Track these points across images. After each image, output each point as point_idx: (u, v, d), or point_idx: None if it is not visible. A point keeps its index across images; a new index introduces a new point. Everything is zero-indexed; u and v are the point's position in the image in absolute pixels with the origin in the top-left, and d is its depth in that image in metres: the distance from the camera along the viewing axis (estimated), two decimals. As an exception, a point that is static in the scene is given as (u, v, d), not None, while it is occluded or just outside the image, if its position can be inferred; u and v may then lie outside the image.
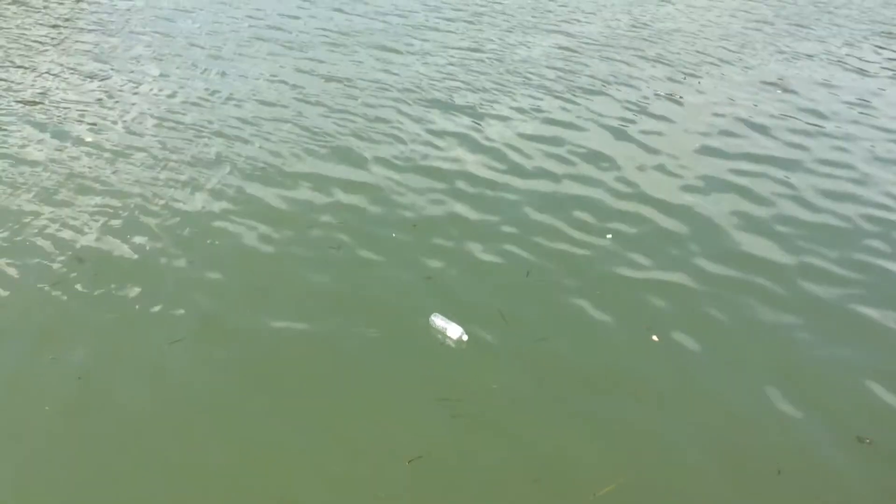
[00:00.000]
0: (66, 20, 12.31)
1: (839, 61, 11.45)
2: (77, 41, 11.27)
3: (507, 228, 6.45)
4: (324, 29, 12.13)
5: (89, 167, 7.33)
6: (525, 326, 5.22)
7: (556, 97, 9.56)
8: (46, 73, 9.89)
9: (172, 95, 9.27)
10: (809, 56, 11.66)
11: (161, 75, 9.96)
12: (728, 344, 5.13)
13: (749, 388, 4.72)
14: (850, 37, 12.80)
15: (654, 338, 5.13)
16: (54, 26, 11.95)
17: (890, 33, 13.12)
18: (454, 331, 5.07)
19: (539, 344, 5.03)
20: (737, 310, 5.45)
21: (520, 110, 9.11)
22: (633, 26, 12.96)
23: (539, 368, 4.83)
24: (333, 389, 4.66)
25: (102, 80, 9.73)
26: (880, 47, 12.28)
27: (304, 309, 5.35)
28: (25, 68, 10.04)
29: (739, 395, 4.67)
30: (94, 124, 8.35)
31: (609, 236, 6.36)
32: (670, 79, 10.43)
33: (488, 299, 5.47)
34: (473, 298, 5.48)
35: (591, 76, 10.37)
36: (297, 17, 12.72)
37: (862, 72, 11.04)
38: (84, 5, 13.30)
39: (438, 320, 5.17)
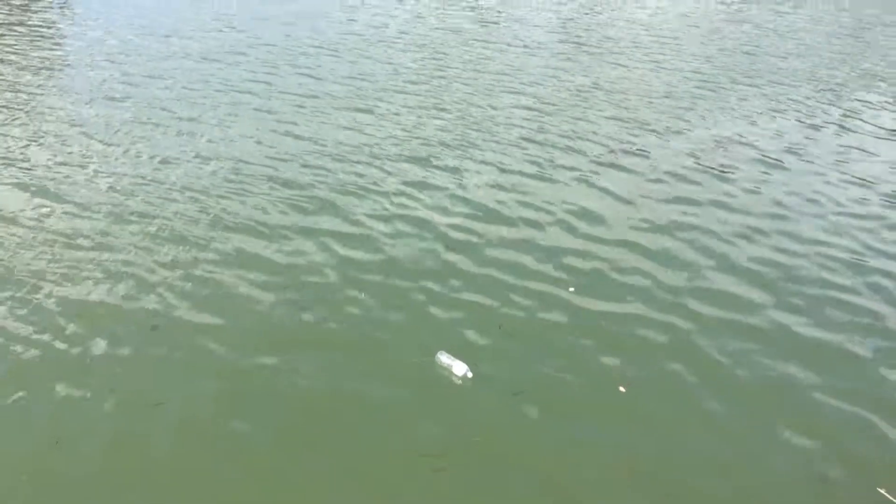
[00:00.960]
0: (38, 87, 12.59)
1: (783, 115, 12.36)
2: (50, 107, 11.55)
3: (479, 276, 6.90)
4: (295, 94, 12.58)
5: (81, 228, 7.66)
6: (498, 381, 5.57)
7: (521, 151, 10.16)
8: (21, 137, 10.19)
9: (152, 157, 9.59)
10: (756, 112, 12.53)
11: (141, 137, 10.28)
12: (691, 397, 5.54)
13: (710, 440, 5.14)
14: (791, 93, 13.72)
15: (622, 388, 5.51)
16: (28, 92, 12.22)
17: (832, 90, 14.04)
18: (459, 368, 5.48)
19: (516, 397, 5.41)
20: (703, 362, 5.91)
21: (486, 163, 9.66)
22: (591, 87, 13.68)
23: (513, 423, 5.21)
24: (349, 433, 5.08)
25: (82, 145, 10.01)
26: (821, 102, 13.22)
27: (297, 352, 5.75)
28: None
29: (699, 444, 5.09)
30: (79, 184, 8.66)
31: (571, 289, 6.79)
32: (628, 133, 11.13)
33: (460, 352, 5.78)
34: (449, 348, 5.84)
35: (553, 132, 11.02)
36: (268, 83, 13.15)
37: (805, 124, 11.98)
38: (56, 74, 13.60)
39: (444, 358, 5.57)
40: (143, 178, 8.88)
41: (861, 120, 12.41)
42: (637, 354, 5.93)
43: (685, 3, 25.65)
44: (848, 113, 12.79)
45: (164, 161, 9.45)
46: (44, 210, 8.02)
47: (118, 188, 8.57)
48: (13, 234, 7.46)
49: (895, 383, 5.70)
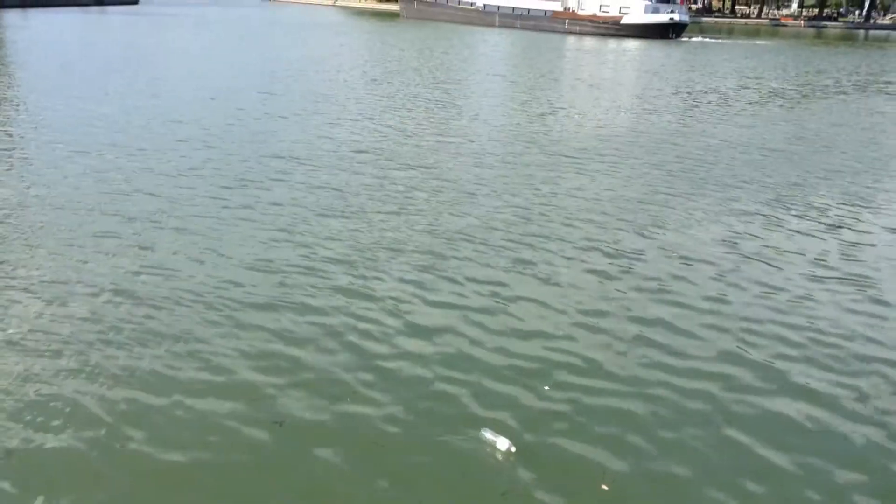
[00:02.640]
0: None
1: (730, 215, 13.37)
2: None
3: (454, 379, 7.39)
4: (254, 221, 13.17)
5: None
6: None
7: (495, 252, 10.77)
8: None
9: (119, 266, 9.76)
10: (706, 217, 13.55)
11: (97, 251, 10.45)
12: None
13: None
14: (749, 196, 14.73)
15: (604, 486, 6.06)
16: None
17: (779, 191, 15.07)
18: (502, 443, 6.24)
19: None
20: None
21: (474, 262, 10.18)
22: (541, 201, 14.65)
23: None
24: None
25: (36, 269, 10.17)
26: (767, 203, 14.37)
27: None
28: None
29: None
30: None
31: (546, 387, 7.40)
32: (584, 247, 11.95)
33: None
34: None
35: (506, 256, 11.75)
36: (225, 205, 13.71)
37: (761, 222, 13.11)
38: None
39: (488, 434, 6.35)
40: (114, 290, 9.01)
41: (813, 217, 13.67)
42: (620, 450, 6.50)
43: (628, 116, 27.00)
44: (798, 212, 14.08)
45: (139, 271, 9.62)
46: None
47: (94, 306, 8.69)
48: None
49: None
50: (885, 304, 9.86)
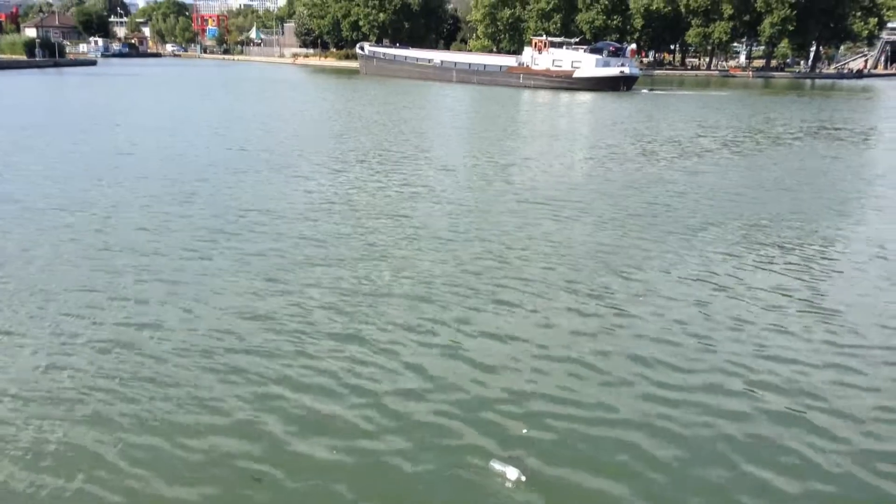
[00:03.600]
0: None
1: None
2: None
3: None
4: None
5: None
6: None
7: (476, 296, 11.09)
8: None
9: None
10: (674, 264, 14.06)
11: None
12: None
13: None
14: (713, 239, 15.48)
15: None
16: None
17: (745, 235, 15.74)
18: (512, 473, 6.55)
19: None
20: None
21: (474, 309, 10.49)
22: (517, 246, 15.36)
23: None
24: None
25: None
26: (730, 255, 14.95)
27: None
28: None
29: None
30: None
31: (524, 430, 7.62)
32: (563, 288, 12.38)
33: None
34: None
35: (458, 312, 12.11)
36: (207, 257, 13.92)
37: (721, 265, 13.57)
38: None
39: (497, 465, 6.64)
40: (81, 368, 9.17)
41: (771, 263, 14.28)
42: None
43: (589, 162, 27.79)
44: (764, 251, 14.80)
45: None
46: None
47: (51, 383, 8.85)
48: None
49: None
50: (854, 333, 10.42)
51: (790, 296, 11.95)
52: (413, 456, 7.08)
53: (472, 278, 12.30)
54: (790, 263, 13.75)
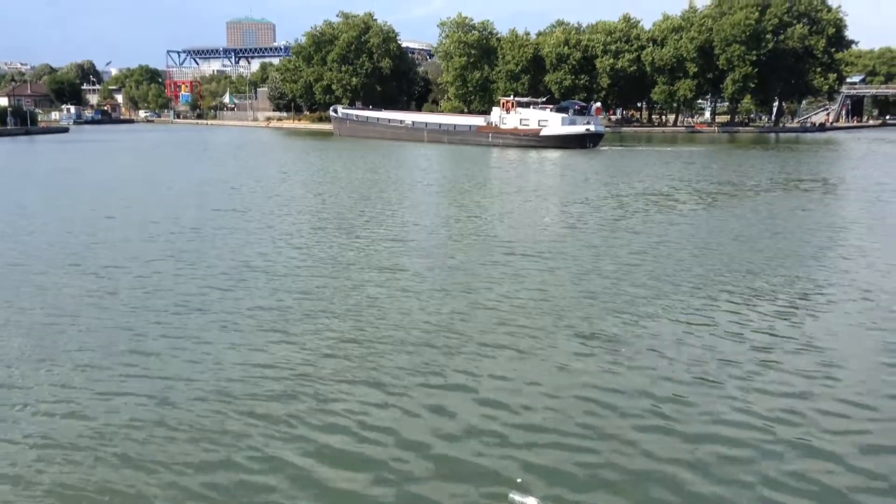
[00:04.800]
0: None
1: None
2: None
3: None
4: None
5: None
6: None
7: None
8: None
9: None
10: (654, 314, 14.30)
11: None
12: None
13: None
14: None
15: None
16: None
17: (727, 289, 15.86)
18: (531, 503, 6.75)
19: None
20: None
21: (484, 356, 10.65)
22: (511, 296, 15.48)
23: None
24: None
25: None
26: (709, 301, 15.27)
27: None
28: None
29: None
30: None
31: (519, 480, 7.68)
32: (559, 332, 12.47)
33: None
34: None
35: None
36: (206, 313, 13.90)
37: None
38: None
39: (517, 497, 6.88)
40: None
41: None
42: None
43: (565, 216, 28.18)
44: (751, 295, 15.06)
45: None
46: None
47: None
48: None
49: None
50: (838, 366, 10.92)
51: (774, 335, 12.36)
52: (434, 490, 7.42)
53: (465, 325, 12.69)
54: (772, 305, 14.09)
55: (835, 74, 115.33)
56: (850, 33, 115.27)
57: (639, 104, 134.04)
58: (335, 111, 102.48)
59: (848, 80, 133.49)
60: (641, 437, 8.65)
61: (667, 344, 11.88)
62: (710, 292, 15.04)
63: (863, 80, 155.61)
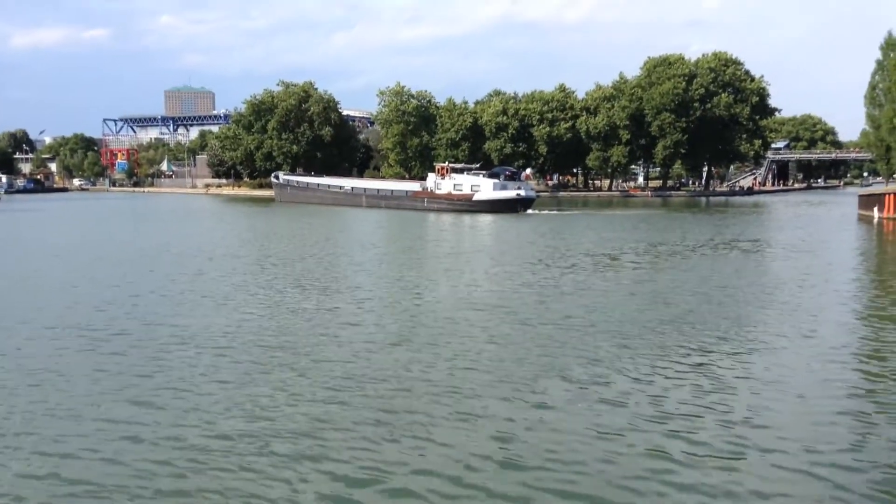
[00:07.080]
0: None
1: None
2: None
3: None
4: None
5: None
6: None
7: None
8: None
9: None
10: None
11: None
12: None
13: None
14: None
15: None
16: None
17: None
18: None
19: None
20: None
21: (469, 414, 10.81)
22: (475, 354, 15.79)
23: None
24: None
25: None
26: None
27: None
28: None
29: None
30: None
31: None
32: (524, 387, 12.69)
33: None
34: None
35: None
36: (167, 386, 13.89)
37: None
38: None
39: None
40: None
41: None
42: None
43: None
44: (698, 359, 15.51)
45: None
46: None
47: None
48: None
49: None
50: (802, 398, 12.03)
51: (744, 374, 13.40)
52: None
53: (418, 383, 12.95)
54: (720, 353, 14.94)
55: (760, 140, 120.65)
56: (773, 101, 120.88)
57: (574, 170, 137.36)
58: (276, 177, 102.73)
59: (773, 145, 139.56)
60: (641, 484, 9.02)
61: (615, 393, 12.39)
62: (657, 341, 15.72)
63: (787, 146, 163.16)
